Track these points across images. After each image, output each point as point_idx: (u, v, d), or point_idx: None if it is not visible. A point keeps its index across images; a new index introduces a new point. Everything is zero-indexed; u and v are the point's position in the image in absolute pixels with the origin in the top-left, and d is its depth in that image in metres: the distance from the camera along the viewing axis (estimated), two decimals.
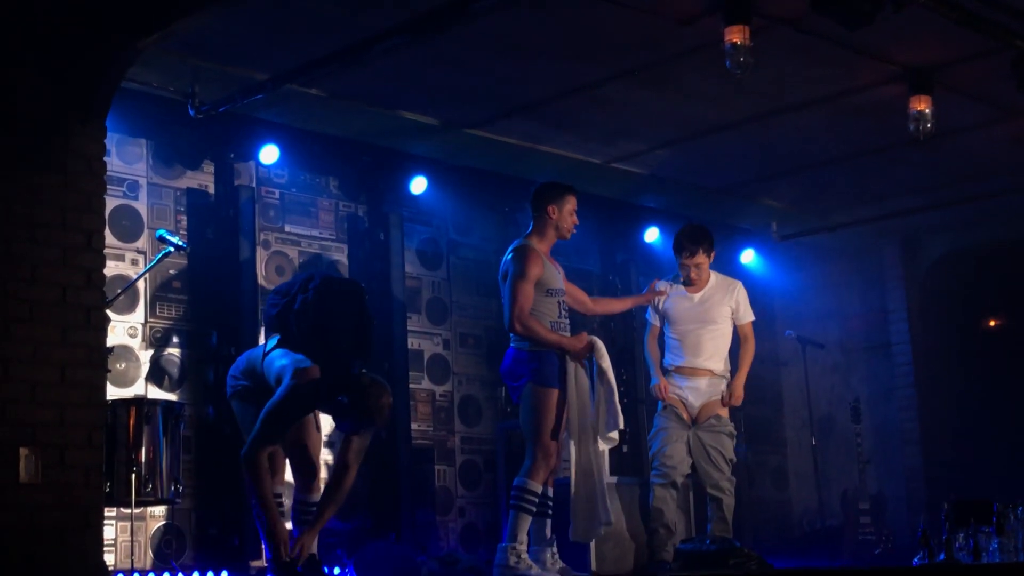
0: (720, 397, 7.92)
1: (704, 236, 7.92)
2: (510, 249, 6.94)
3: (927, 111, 7.67)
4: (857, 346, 11.90)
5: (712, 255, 7.96)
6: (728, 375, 8.00)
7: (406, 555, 7.58)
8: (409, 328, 9.09)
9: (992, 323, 11.81)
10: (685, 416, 7.89)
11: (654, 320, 8.13)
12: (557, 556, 6.93)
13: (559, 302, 6.93)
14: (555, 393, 6.77)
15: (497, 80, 7.85)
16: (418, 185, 9.05)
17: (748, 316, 8.03)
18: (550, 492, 6.89)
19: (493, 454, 9.36)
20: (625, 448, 9.98)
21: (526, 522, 6.71)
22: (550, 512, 6.92)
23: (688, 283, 7.95)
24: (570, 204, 7.01)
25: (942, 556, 6.88)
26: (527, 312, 6.73)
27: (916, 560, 6.95)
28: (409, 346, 9.06)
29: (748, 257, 11.28)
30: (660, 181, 9.99)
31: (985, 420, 11.04)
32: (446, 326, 9.46)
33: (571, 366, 6.85)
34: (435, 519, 9.04)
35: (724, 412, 7.92)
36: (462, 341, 9.47)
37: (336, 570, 7.72)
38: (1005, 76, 7.39)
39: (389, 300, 8.90)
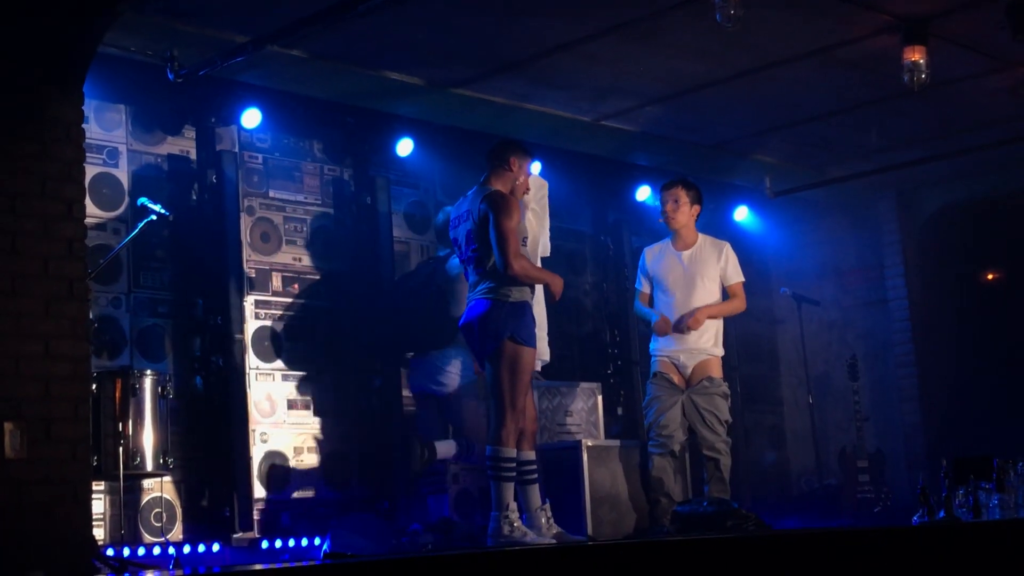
0: (712, 357, 7.92)
1: (684, 178, 8.16)
2: (479, 196, 6.79)
3: (921, 61, 7.60)
4: (853, 302, 11.84)
5: (695, 205, 8.09)
6: (720, 341, 8.01)
7: (382, 527, 7.53)
8: None
9: (990, 276, 11.74)
10: (677, 380, 7.91)
11: (644, 287, 8.18)
12: (552, 520, 6.86)
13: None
14: (533, 352, 6.71)
15: (483, 38, 7.73)
16: (404, 147, 8.93)
17: (737, 276, 8.09)
18: (532, 456, 6.82)
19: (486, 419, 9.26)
20: (620, 411, 9.93)
21: (510, 488, 6.64)
22: (537, 476, 6.85)
23: (667, 222, 8.05)
24: (527, 163, 7.04)
25: (942, 514, 6.86)
26: (519, 252, 6.65)
27: (916, 518, 6.93)
28: None
29: (742, 214, 11.20)
30: (651, 138, 9.88)
31: (984, 375, 10.99)
32: None
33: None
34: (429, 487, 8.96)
35: (716, 373, 7.95)
36: None
37: (316, 540, 7.66)
38: (999, 25, 7.34)
39: (377, 264, 8.79)
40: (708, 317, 7.92)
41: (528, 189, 7.07)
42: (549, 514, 6.86)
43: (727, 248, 8.10)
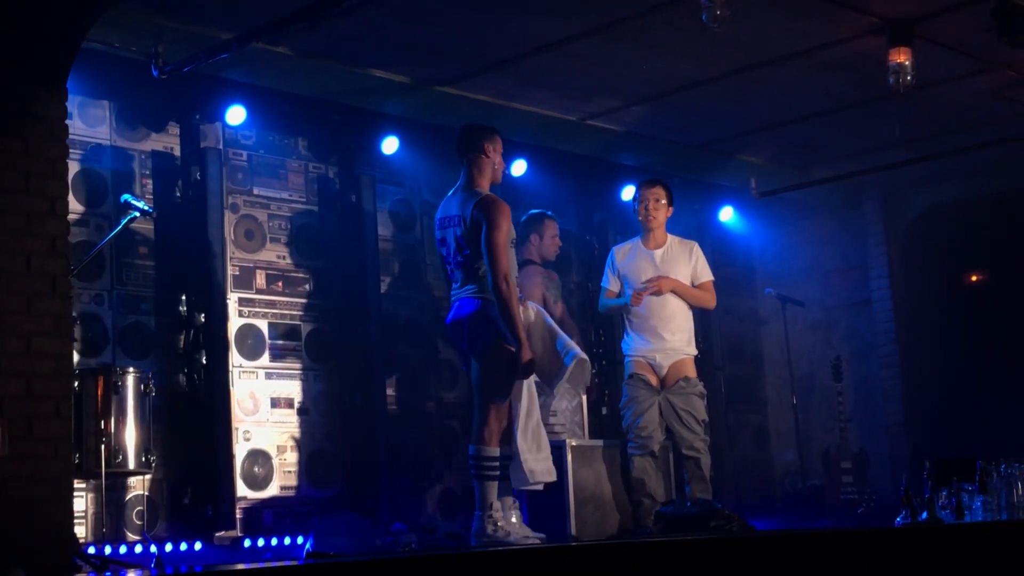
0: (687, 357, 7.94)
1: (660, 179, 8.26)
2: (470, 200, 6.73)
3: (907, 63, 7.61)
4: (838, 303, 11.85)
5: (671, 207, 8.09)
6: (694, 340, 8.04)
7: (366, 526, 7.53)
8: (382, 292, 8.97)
9: (974, 278, 11.76)
10: (654, 381, 7.93)
11: (612, 285, 8.18)
12: (522, 519, 6.84)
13: (515, 252, 6.86)
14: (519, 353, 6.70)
15: (469, 36, 7.72)
16: (390, 145, 8.91)
17: (707, 275, 8.13)
18: (508, 452, 6.80)
19: (470, 419, 9.23)
20: (604, 411, 9.92)
21: (493, 487, 6.64)
22: (508, 474, 6.83)
23: (646, 221, 8.04)
24: (499, 144, 6.97)
25: (924, 515, 6.85)
26: (512, 278, 6.62)
27: (898, 519, 6.94)
28: (383, 310, 8.94)
29: (727, 214, 11.20)
30: (637, 138, 9.88)
31: (968, 377, 11.01)
32: (421, 289, 9.33)
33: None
34: (412, 486, 8.95)
35: (692, 373, 7.99)
36: (439, 304, 9.33)
37: (299, 539, 7.65)
38: (985, 27, 7.32)
39: (362, 264, 8.78)
40: (672, 290, 7.93)
41: (504, 166, 7.04)
42: (518, 512, 6.84)
43: (696, 248, 8.17)
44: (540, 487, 6.97)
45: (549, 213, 8.68)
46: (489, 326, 6.64)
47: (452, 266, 6.86)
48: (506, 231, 6.64)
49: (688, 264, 8.06)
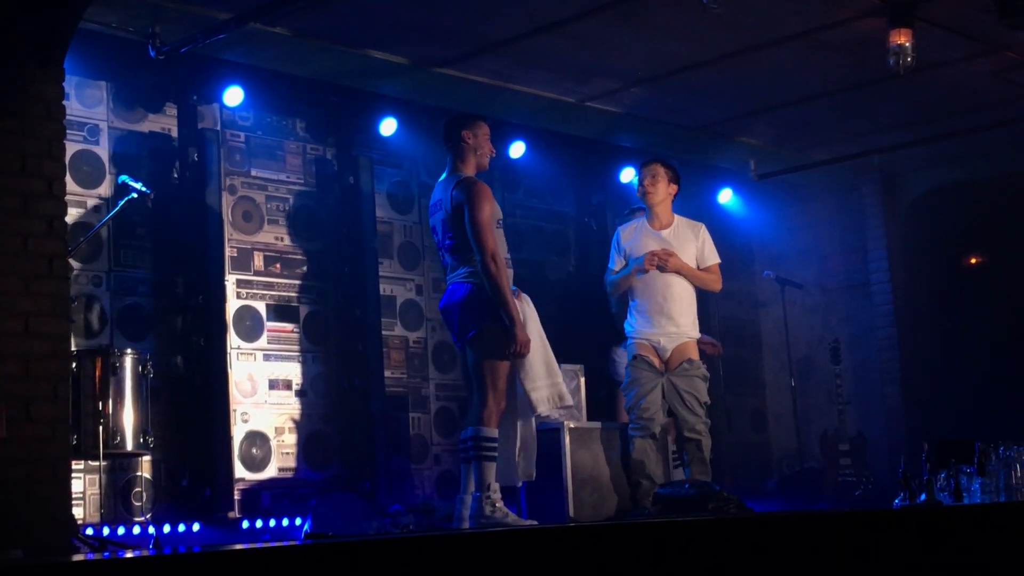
0: (690, 340, 7.90)
1: (662, 156, 8.22)
2: (451, 184, 6.71)
3: (907, 45, 7.57)
4: (837, 286, 11.85)
5: (673, 184, 8.00)
6: (697, 323, 7.99)
7: (363, 508, 7.53)
8: (381, 274, 8.97)
9: (973, 261, 11.76)
10: (657, 363, 7.88)
11: (618, 265, 8.10)
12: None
13: (503, 233, 6.82)
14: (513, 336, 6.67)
15: (468, 17, 7.69)
16: (388, 126, 8.89)
17: (714, 258, 8.04)
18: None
19: (468, 400, 9.23)
20: (603, 393, 9.91)
21: (492, 468, 6.61)
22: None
23: (644, 197, 7.97)
24: (484, 131, 6.89)
25: (923, 497, 6.85)
26: (500, 257, 6.59)
27: (897, 501, 6.93)
28: (381, 292, 8.94)
29: (726, 196, 11.19)
30: (636, 120, 9.85)
31: (966, 359, 11.01)
32: (418, 271, 9.33)
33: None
34: (410, 467, 8.96)
35: (695, 355, 7.94)
36: (435, 286, 9.34)
37: (297, 520, 7.65)
38: (986, 8, 7.31)
39: (360, 245, 8.77)
40: (678, 270, 7.88)
41: (493, 151, 7.01)
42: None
43: (703, 229, 8.07)
44: (532, 476, 6.96)
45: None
46: (481, 310, 6.61)
47: (443, 251, 6.85)
48: (488, 211, 6.61)
49: (694, 245, 7.99)
